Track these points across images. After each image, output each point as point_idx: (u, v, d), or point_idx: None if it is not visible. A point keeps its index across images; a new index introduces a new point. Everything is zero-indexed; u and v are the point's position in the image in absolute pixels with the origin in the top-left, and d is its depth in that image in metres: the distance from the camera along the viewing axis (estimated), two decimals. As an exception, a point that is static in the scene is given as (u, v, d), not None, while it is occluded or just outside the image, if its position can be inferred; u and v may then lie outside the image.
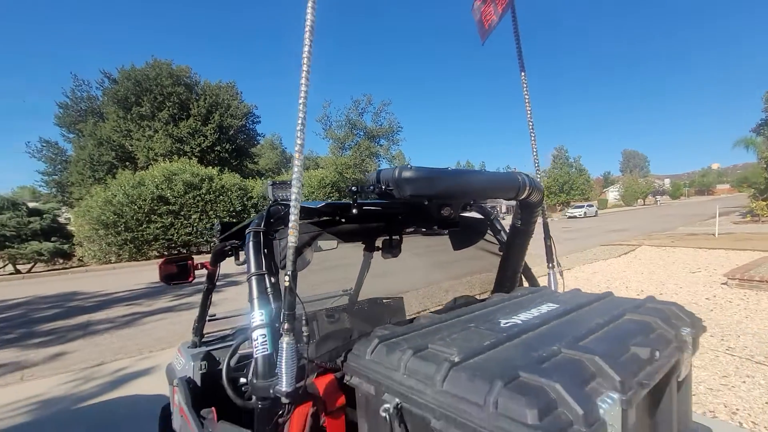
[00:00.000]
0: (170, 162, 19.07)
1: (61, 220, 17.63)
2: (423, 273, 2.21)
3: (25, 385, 4.03)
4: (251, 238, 1.05)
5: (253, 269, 0.99)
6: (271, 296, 0.95)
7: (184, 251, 17.94)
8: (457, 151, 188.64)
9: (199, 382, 1.59)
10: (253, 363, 0.87)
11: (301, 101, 0.90)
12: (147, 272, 13.37)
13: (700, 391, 2.98)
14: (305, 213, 1.13)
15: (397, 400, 0.69)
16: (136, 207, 16.52)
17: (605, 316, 0.93)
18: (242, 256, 1.47)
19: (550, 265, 1.63)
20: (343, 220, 1.19)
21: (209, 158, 23.72)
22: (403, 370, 0.71)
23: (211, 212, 18.27)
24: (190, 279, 1.71)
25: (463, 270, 1.79)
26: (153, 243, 17.03)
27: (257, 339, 0.89)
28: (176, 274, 1.69)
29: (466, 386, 0.61)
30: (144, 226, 16.75)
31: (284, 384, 0.80)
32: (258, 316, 0.92)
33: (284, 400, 0.79)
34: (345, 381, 0.83)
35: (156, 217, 17.03)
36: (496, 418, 0.54)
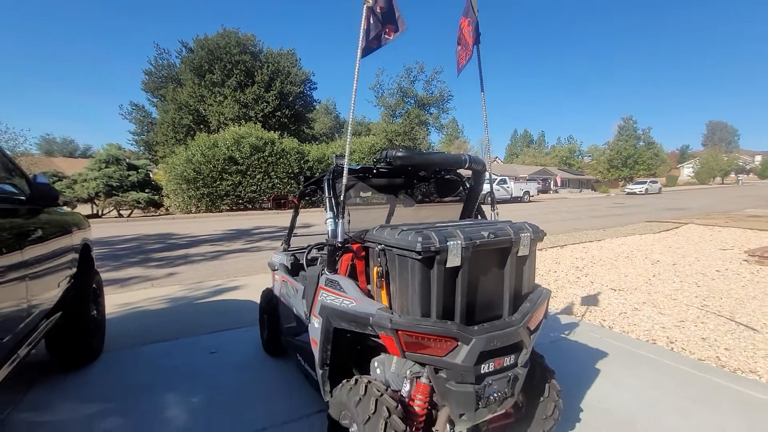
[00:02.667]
0: (238, 126, 21.14)
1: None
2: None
3: (156, 289, 5.72)
4: (326, 182, 2.11)
5: (326, 194, 2.06)
6: (334, 206, 2.02)
7: (250, 207, 20.26)
8: (516, 120, 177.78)
9: (289, 267, 2.79)
10: (328, 230, 1.97)
11: (351, 113, 1.91)
12: (222, 221, 15.61)
13: (655, 329, 3.75)
14: (350, 171, 2.17)
15: (383, 245, 1.72)
16: (211, 166, 18.87)
17: (486, 223, 1.88)
18: (316, 196, 2.57)
19: (492, 209, 2.53)
20: (369, 176, 2.22)
21: (271, 123, 25.69)
22: (386, 234, 1.73)
23: (272, 173, 20.25)
24: (287, 208, 2.88)
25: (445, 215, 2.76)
26: (224, 198, 19.46)
27: (328, 222, 1.97)
28: (280, 203, 2.87)
29: (404, 235, 1.61)
30: (217, 182, 19.14)
31: (339, 238, 1.88)
32: (329, 213, 2.00)
33: (338, 245, 1.88)
34: (365, 244, 1.88)
35: (227, 175, 19.32)
36: (410, 242, 1.54)
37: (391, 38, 1.90)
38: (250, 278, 6.18)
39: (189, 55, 25.26)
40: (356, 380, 1.72)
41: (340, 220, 1.89)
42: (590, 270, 6.17)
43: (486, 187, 2.51)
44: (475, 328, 1.61)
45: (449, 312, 1.62)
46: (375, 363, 1.99)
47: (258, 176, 19.92)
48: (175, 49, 27.90)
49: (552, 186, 51.36)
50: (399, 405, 1.63)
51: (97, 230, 12.94)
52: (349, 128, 1.88)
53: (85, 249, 3.14)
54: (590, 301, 4.61)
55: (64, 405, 2.49)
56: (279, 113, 26.04)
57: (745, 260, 6.46)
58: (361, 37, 1.79)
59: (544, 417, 1.95)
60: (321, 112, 52.07)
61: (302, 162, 21.36)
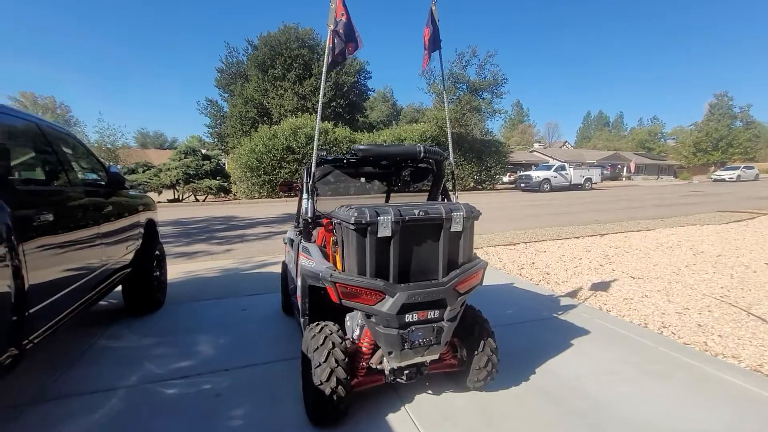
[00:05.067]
0: (296, 118, 22.55)
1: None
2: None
3: (213, 261, 6.76)
4: (305, 170, 2.62)
5: (304, 179, 2.58)
6: (308, 189, 2.53)
7: (306, 193, 21.68)
8: (591, 98, 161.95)
9: (294, 240, 3.40)
10: (303, 208, 2.48)
11: (318, 118, 2.38)
12: (279, 206, 17.04)
13: (653, 315, 3.77)
14: (326, 161, 2.65)
15: (338, 219, 2.18)
16: (271, 155, 20.49)
17: (424, 204, 2.25)
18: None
19: (454, 194, 2.85)
20: (342, 164, 2.68)
21: (326, 113, 26.88)
22: (339, 211, 2.17)
23: (326, 161, 21.38)
24: (293, 193, 3.46)
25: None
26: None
27: (303, 202, 2.48)
28: (287, 188, 3.46)
29: (347, 211, 2.02)
30: (276, 171, 20.75)
31: (309, 214, 2.38)
32: (305, 194, 2.51)
33: (309, 220, 2.38)
34: (331, 218, 2.37)
35: (285, 163, 20.84)
36: (348, 216, 1.98)
37: (353, 54, 2.32)
38: (290, 255, 6.99)
39: (254, 53, 27.31)
40: (317, 324, 2.23)
41: (310, 201, 2.40)
42: (618, 259, 6.04)
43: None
44: (401, 285, 2.02)
45: (384, 272, 2.05)
46: (347, 317, 2.49)
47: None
48: (242, 48, 30.29)
49: (624, 172, 47.12)
50: (344, 342, 2.12)
51: (176, 213, 14.97)
52: (317, 127, 2.35)
53: (150, 224, 4.02)
54: (600, 287, 4.65)
55: (131, 337, 3.35)
56: (334, 103, 27.17)
57: (808, 253, 5.84)
58: (326, 53, 2.24)
59: (478, 368, 2.31)
60: (379, 100, 52.85)
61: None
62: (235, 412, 2.25)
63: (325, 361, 2.00)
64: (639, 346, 3.08)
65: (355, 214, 1.96)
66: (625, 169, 48.01)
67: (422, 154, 2.52)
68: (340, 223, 2.18)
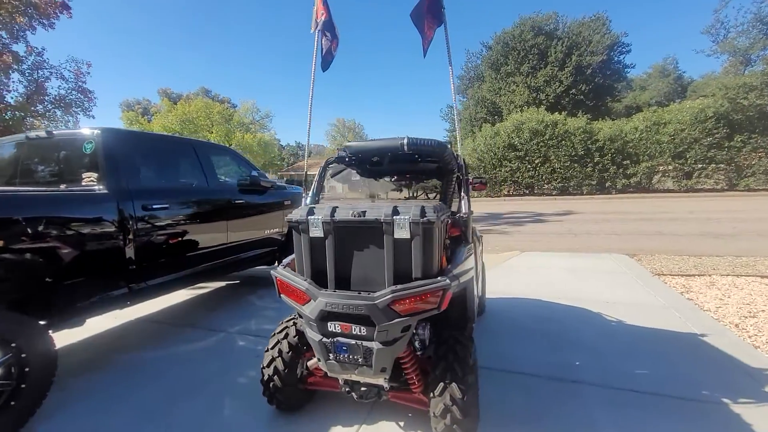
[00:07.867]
0: (521, 113, 21.37)
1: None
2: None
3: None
4: (320, 168, 2.73)
5: (316, 177, 2.70)
6: (314, 187, 2.63)
7: (527, 192, 20.27)
8: None
9: None
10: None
11: (308, 136, 2.42)
12: (491, 205, 16.84)
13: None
14: (339, 161, 2.63)
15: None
16: (491, 154, 20.36)
17: (367, 205, 1.88)
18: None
19: (466, 195, 2.14)
20: (352, 163, 2.58)
21: (563, 103, 23.98)
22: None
23: (552, 157, 19.22)
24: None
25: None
26: (503, 184, 20.52)
27: (306, 196, 2.61)
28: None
29: (319, 208, 2.05)
30: (497, 169, 20.43)
31: (309, 202, 2.51)
32: (310, 191, 2.65)
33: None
34: None
35: (506, 162, 20.20)
36: (314, 216, 1.99)
37: (336, 50, 2.25)
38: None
39: (488, 53, 27.65)
40: (292, 315, 2.38)
41: (305, 199, 2.52)
42: None
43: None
44: (326, 291, 1.88)
45: (322, 275, 1.97)
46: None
47: (536, 161, 19.50)
48: (478, 51, 31.28)
49: None
50: (298, 336, 2.17)
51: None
52: (307, 144, 2.40)
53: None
54: None
55: (268, 299, 4.42)
56: (573, 90, 23.75)
57: None
58: (314, 57, 2.28)
59: (434, 416, 1.83)
60: (654, 77, 43.87)
61: (589, 142, 18.85)
62: (251, 373, 2.71)
63: (272, 348, 2.15)
64: None
65: (293, 211, 1.99)
66: None
67: (405, 148, 2.15)
68: None
